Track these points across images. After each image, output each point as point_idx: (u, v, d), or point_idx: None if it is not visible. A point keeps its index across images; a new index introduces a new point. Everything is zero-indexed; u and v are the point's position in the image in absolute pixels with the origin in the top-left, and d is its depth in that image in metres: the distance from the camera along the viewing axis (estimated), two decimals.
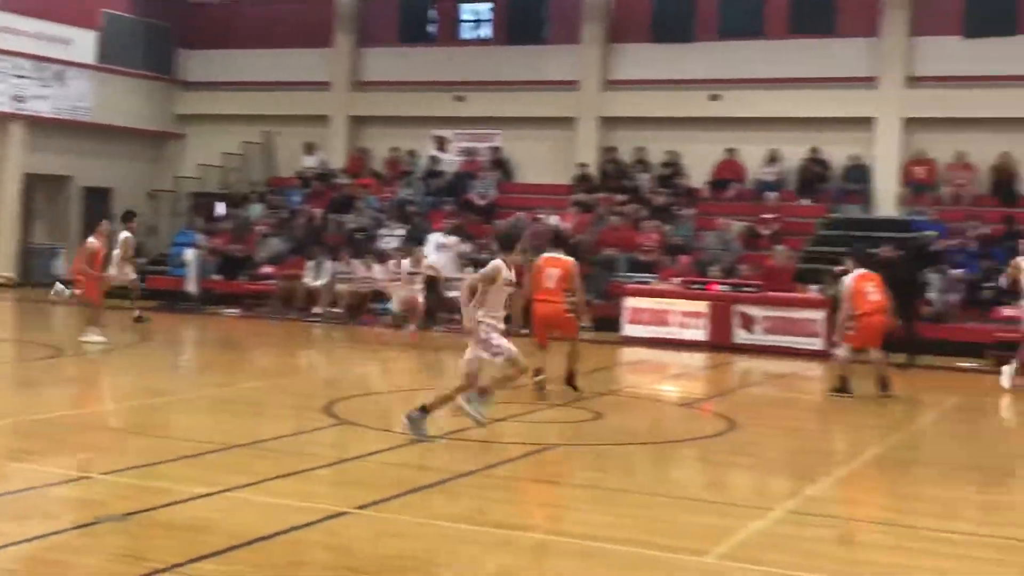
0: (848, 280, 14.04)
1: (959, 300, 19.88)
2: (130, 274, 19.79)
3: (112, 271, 18.94)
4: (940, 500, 9.10)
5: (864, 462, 10.44)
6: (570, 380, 13.29)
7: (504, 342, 9.98)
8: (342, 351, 19.33)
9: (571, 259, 13.54)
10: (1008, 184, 23.00)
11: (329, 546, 6.83)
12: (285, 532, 6.88)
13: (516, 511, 7.73)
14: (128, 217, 19.96)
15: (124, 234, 19.37)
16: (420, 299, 20.23)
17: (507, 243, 10.51)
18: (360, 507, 7.57)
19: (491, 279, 9.97)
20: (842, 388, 14.03)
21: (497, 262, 10.06)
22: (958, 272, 20.09)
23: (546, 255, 13.52)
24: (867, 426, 12.66)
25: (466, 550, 6.81)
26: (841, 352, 14.23)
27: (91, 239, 17.70)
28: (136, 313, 19.59)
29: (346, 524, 7.23)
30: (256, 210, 26.87)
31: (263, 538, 6.71)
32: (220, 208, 27.40)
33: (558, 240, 14.48)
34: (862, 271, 14.10)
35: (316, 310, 22.59)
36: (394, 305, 21.14)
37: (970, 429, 12.99)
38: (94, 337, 16.57)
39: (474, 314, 9.97)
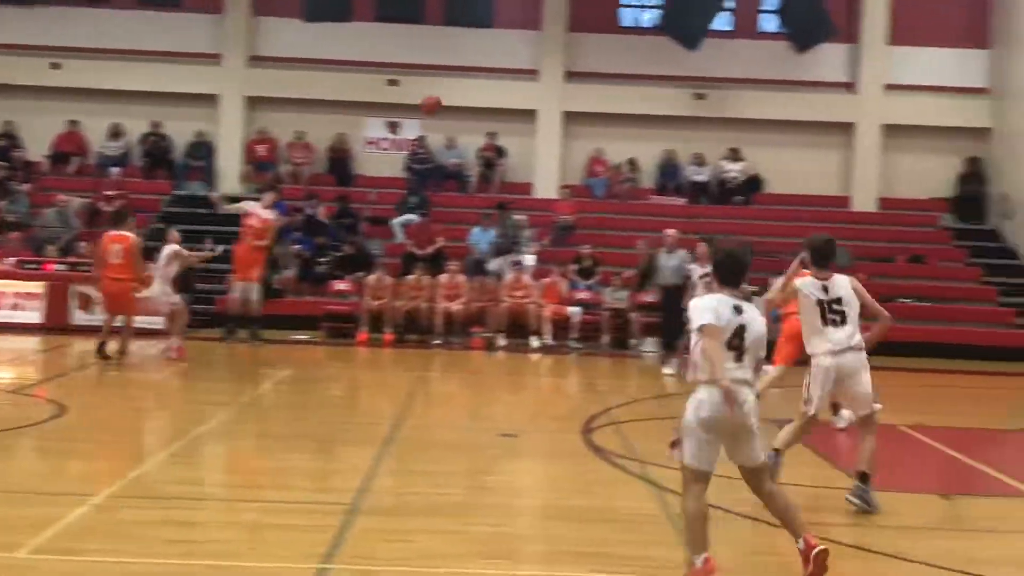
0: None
1: (295, 275, 20.77)
2: None
3: None
4: (273, 471, 9.41)
5: (197, 438, 10.49)
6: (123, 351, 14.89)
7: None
8: None
9: (132, 235, 14.88)
10: (343, 164, 24.35)
11: None
12: None
13: None
14: None
15: None
16: None
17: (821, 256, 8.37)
18: None
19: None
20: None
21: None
22: (295, 248, 20.95)
23: (110, 232, 15.03)
24: (201, 402, 12.81)
25: None
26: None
27: None
28: None
29: None
30: None
31: None
32: None
33: (119, 216, 15.65)
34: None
35: None
36: None
37: (302, 400, 13.52)
38: None
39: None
